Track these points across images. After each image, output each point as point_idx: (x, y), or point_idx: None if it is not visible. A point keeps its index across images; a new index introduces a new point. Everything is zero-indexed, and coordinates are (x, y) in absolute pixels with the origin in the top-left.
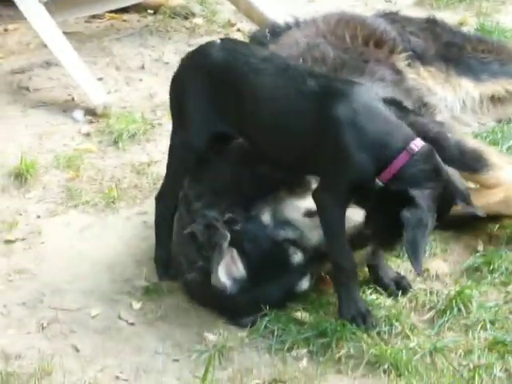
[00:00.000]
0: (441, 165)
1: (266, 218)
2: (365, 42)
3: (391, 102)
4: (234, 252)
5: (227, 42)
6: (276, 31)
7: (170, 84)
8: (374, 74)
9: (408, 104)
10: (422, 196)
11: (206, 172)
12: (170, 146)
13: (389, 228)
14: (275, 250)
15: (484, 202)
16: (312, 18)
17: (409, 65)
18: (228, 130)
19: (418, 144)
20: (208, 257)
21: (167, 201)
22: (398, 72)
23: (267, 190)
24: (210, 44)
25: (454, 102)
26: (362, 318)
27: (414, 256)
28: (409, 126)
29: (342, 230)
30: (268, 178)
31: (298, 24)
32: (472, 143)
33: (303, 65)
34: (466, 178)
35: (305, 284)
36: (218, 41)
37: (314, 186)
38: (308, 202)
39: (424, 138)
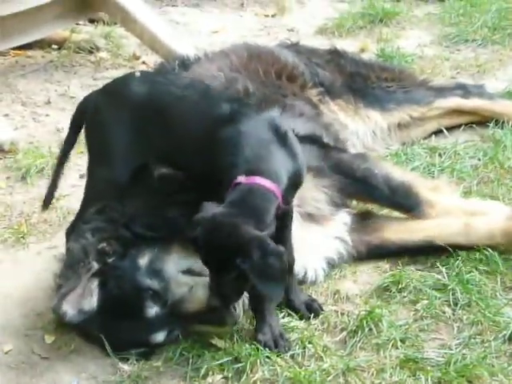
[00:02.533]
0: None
1: (143, 261)
2: (278, 77)
3: (312, 139)
4: (95, 283)
5: (145, 74)
6: (185, 63)
7: (85, 121)
8: (294, 109)
9: (327, 139)
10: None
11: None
12: (91, 181)
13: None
14: (134, 295)
15: (439, 232)
16: (221, 51)
17: (320, 100)
18: (150, 160)
19: (250, 180)
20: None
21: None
22: (315, 106)
23: (162, 236)
24: (129, 77)
25: (364, 133)
26: (275, 342)
27: None
28: (334, 165)
29: None
30: (169, 225)
31: (207, 56)
32: (399, 177)
33: (224, 91)
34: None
35: (159, 337)
36: (137, 73)
37: None
38: (193, 263)
39: (352, 178)
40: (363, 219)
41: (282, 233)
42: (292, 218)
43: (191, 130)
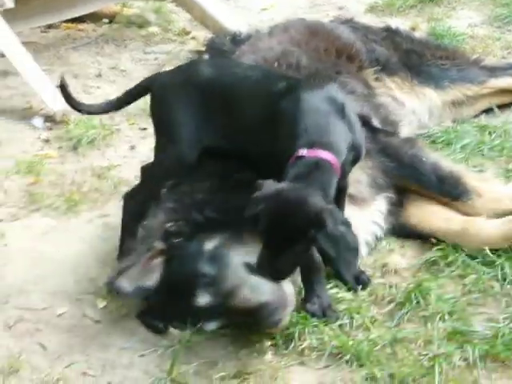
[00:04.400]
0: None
1: (210, 245)
2: (338, 56)
3: (360, 120)
4: (157, 262)
5: (214, 58)
6: (236, 39)
7: (153, 98)
8: (345, 86)
9: (376, 121)
10: None
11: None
12: (159, 157)
13: None
14: (189, 279)
15: (444, 226)
16: (283, 26)
17: (376, 78)
18: (216, 142)
19: (312, 153)
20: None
21: (138, 203)
22: (369, 87)
23: (235, 222)
24: (197, 61)
25: (421, 111)
26: (323, 312)
27: None
28: (382, 148)
29: None
30: (240, 208)
31: (270, 32)
32: (447, 166)
33: (281, 71)
34: (446, 204)
35: (211, 326)
36: (205, 57)
37: None
38: None
39: (399, 163)
40: (403, 199)
41: (338, 206)
42: (346, 193)
43: (252, 109)
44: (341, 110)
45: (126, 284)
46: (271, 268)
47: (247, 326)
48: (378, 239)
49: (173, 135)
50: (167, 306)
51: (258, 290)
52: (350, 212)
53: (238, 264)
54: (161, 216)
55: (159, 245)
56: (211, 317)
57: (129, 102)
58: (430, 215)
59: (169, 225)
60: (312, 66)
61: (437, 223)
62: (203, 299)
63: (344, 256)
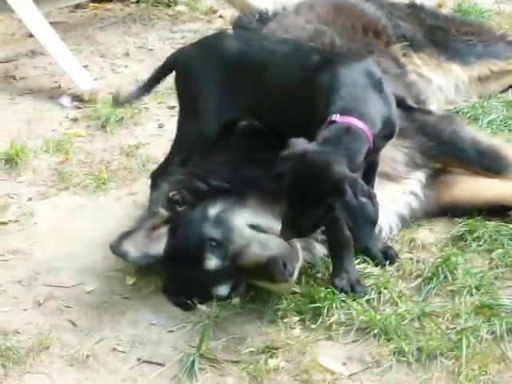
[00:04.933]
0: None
1: (214, 211)
2: (365, 32)
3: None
4: (163, 230)
5: (239, 31)
6: (263, 17)
7: (177, 73)
8: (379, 66)
9: (410, 100)
10: None
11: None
12: (181, 132)
13: None
14: (197, 245)
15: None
16: (309, 3)
17: (404, 54)
18: (239, 114)
19: (344, 119)
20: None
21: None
22: (400, 65)
23: (238, 190)
24: (222, 35)
25: (448, 87)
26: (351, 287)
27: None
28: (420, 127)
29: None
30: (246, 180)
31: (296, 9)
32: (486, 140)
33: (312, 45)
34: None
35: (222, 291)
36: (230, 31)
37: None
38: (263, 220)
39: (437, 141)
40: (437, 175)
41: (367, 181)
42: (377, 169)
43: (285, 81)
44: (377, 84)
45: (131, 249)
46: (293, 226)
47: (260, 285)
48: (413, 211)
49: (195, 110)
50: (178, 275)
51: (266, 245)
52: (384, 187)
53: (243, 225)
54: (165, 187)
55: (163, 212)
56: (222, 280)
57: (158, 81)
58: (485, 187)
59: (172, 193)
60: (345, 45)
61: (499, 191)
62: (212, 262)
63: (362, 226)
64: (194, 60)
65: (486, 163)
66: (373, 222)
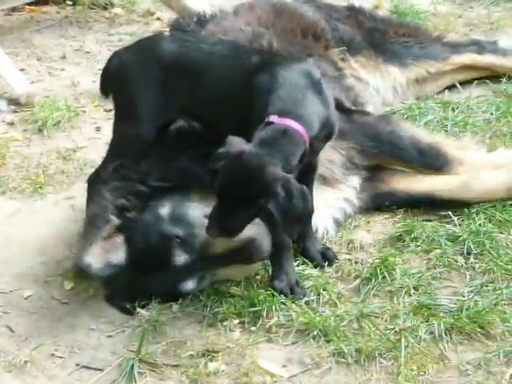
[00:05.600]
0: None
1: (165, 211)
2: (304, 36)
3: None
4: (119, 239)
5: (175, 34)
6: (201, 20)
7: (111, 76)
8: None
9: (347, 103)
10: None
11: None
12: (117, 136)
13: None
14: (162, 245)
15: (442, 183)
16: (249, 5)
17: (342, 59)
18: (176, 116)
19: (281, 120)
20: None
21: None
22: (338, 68)
23: (178, 185)
24: (158, 37)
25: (385, 89)
26: (291, 289)
27: None
28: (359, 128)
29: None
30: (183, 174)
31: (235, 11)
32: (426, 138)
33: (251, 46)
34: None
35: (190, 285)
36: (166, 33)
37: None
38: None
39: (377, 141)
40: (374, 173)
41: (306, 182)
42: (316, 170)
43: (223, 83)
44: (316, 86)
45: (93, 261)
46: (221, 225)
47: (225, 273)
48: (347, 216)
49: (131, 113)
50: (142, 281)
51: None
52: (320, 191)
53: (201, 217)
54: (108, 195)
55: (115, 220)
56: (190, 275)
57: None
58: (420, 179)
59: (119, 201)
60: (284, 48)
61: (432, 183)
62: (181, 258)
63: (291, 226)
64: (128, 63)
65: (427, 161)
66: (301, 219)
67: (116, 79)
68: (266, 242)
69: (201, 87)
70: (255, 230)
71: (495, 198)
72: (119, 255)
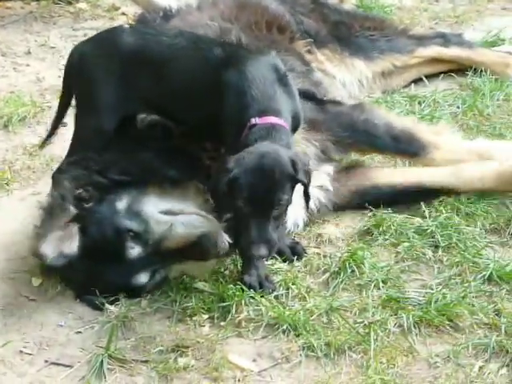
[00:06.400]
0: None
1: (122, 205)
2: (268, 29)
3: (305, 94)
4: (75, 229)
5: (135, 26)
6: (167, 14)
7: (73, 69)
8: (285, 64)
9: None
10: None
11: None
12: (79, 129)
13: None
14: (115, 237)
15: (428, 174)
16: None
17: (308, 51)
18: (137, 108)
19: (264, 120)
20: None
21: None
22: (306, 63)
23: (137, 180)
24: (118, 29)
25: (351, 83)
26: (260, 283)
27: None
28: (333, 118)
29: None
30: (143, 168)
31: (199, 6)
32: (399, 124)
33: (212, 37)
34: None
35: (142, 278)
36: (126, 26)
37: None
38: (172, 204)
39: (352, 130)
40: (352, 167)
41: None
42: None
43: (185, 75)
44: (283, 78)
45: (48, 251)
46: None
47: (181, 275)
48: (322, 205)
49: (92, 106)
50: (95, 272)
51: (192, 225)
52: None
53: (156, 212)
54: (67, 184)
55: (72, 210)
56: (143, 268)
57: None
58: (403, 171)
59: (78, 191)
60: (251, 43)
61: (417, 174)
62: (135, 250)
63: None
64: (88, 56)
65: (402, 147)
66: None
67: (76, 72)
68: (221, 239)
69: (162, 79)
70: (210, 227)
71: (485, 188)
72: (73, 245)
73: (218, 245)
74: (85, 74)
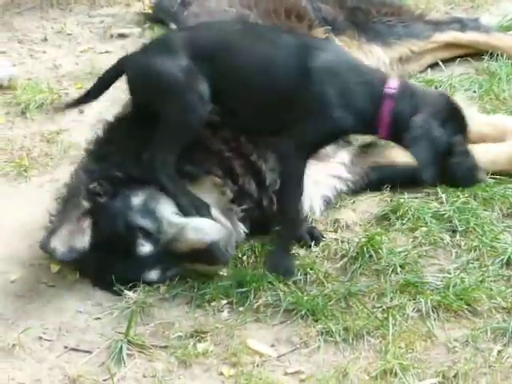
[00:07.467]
0: (422, 91)
1: (137, 200)
2: (287, 16)
3: None
4: (87, 222)
5: (202, 24)
6: (185, 1)
7: (142, 71)
8: None
9: None
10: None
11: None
12: (165, 124)
13: None
14: (126, 233)
15: (490, 158)
16: None
17: (327, 38)
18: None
19: (392, 85)
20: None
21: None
22: None
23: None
24: (188, 28)
25: None
26: (285, 271)
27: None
28: None
29: (299, 182)
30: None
31: None
32: None
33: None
34: None
35: (153, 275)
36: (195, 25)
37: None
38: None
39: None
40: (368, 147)
41: None
42: None
43: (252, 67)
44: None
45: (59, 245)
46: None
47: (190, 267)
48: (338, 192)
49: (174, 102)
50: (105, 265)
51: (202, 231)
52: (310, 167)
53: (170, 214)
54: (82, 177)
55: (85, 204)
56: (154, 265)
57: (107, 88)
58: None
59: (92, 185)
60: None
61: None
62: (146, 248)
63: None
64: (158, 57)
65: None
66: None
67: (149, 74)
68: (230, 247)
69: (232, 75)
70: (221, 233)
71: (498, 169)
72: (84, 240)
73: (227, 252)
74: (159, 75)
